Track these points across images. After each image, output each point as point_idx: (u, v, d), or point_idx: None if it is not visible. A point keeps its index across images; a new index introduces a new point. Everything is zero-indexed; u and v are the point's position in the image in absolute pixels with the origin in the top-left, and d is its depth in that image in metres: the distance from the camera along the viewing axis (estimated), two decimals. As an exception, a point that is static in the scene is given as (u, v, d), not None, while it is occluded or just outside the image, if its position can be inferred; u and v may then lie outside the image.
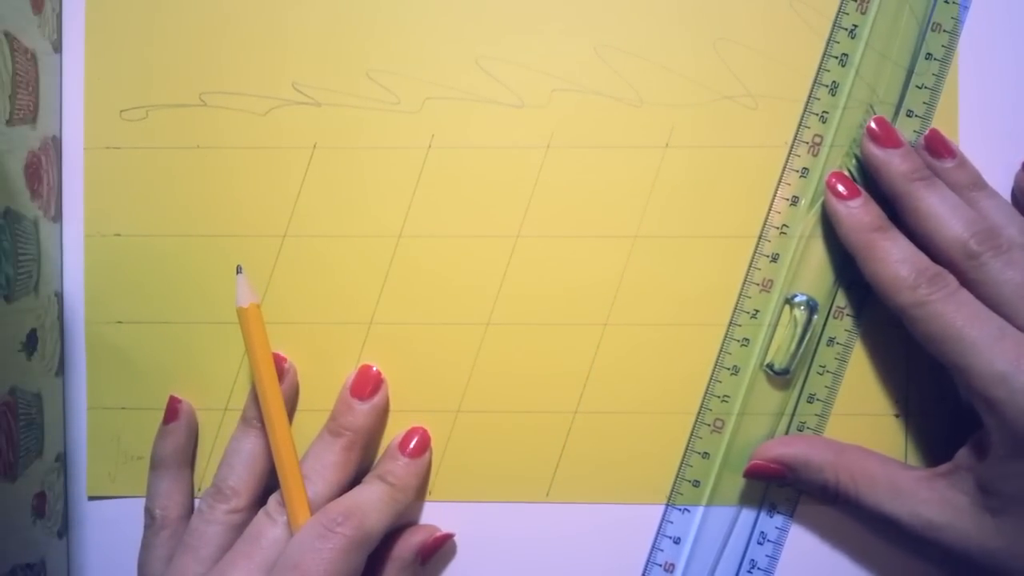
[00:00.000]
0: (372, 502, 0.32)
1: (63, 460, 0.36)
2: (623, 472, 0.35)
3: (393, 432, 0.35)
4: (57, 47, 0.36)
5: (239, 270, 0.33)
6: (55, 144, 0.36)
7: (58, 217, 0.36)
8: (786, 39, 0.35)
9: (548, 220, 0.35)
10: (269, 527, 0.32)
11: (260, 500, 0.33)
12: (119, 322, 0.36)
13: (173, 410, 0.35)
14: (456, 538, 0.35)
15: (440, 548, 0.35)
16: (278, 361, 0.34)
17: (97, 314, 0.36)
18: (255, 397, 0.33)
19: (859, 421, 0.35)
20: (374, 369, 0.35)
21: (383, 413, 0.35)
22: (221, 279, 0.36)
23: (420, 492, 0.35)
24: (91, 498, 0.36)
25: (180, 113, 0.36)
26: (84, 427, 0.36)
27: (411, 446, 0.34)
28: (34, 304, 0.34)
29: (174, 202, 0.36)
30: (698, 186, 0.35)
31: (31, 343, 0.34)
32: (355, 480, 0.34)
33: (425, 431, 0.35)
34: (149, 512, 0.34)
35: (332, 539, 0.30)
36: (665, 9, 0.35)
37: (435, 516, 0.36)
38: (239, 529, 0.32)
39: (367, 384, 0.34)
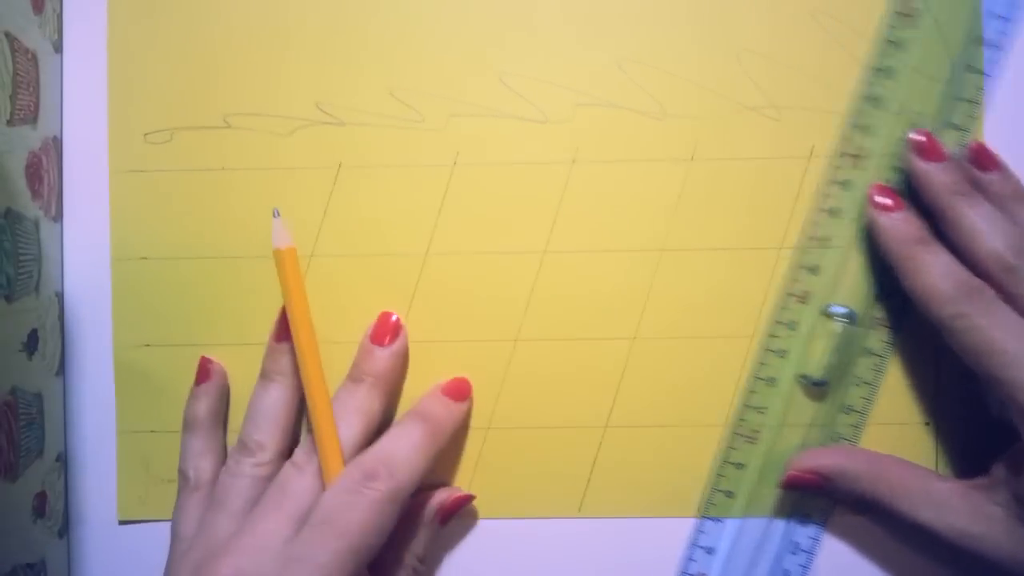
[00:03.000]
0: (406, 450, 0.32)
1: (64, 460, 0.36)
2: (655, 485, 0.35)
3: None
4: (58, 47, 0.36)
5: (276, 214, 0.33)
6: (55, 144, 0.36)
7: (58, 217, 0.36)
8: (808, 50, 0.35)
9: (575, 235, 0.35)
10: (297, 477, 0.32)
11: (285, 454, 0.33)
12: (147, 345, 0.36)
13: (205, 371, 0.35)
14: (488, 555, 0.35)
15: (459, 509, 0.35)
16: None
17: (125, 338, 0.36)
18: (274, 351, 0.34)
19: (889, 430, 0.35)
20: (393, 317, 0.35)
21: (403, 359, 0.35)
22: (248, 300, 0.36)
23: (448, 446, 0.34)
24: (122, 522, 0.36)
25: (204, 135, 0.36)
26: (86, 429, 0.36)
27: (453, 391, 0.34)
28: (35, 304, 0.34)
29: (200, 225, 0.36)
30: (723, 198, 0.35)
31: (32, 343, 0.34)
32: (380, 430, 0.34)
33: (467, 380, 0.35)
34: (183, 473, 0.34)
35: (367, 493, 0.30)
36: (687, 22, 0.35)
37: (466, 532, 0.36)
38: (266, 482, 0.32)
39: (386, 331, 0.34)
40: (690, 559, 0.35)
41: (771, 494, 0.35)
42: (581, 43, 0.35)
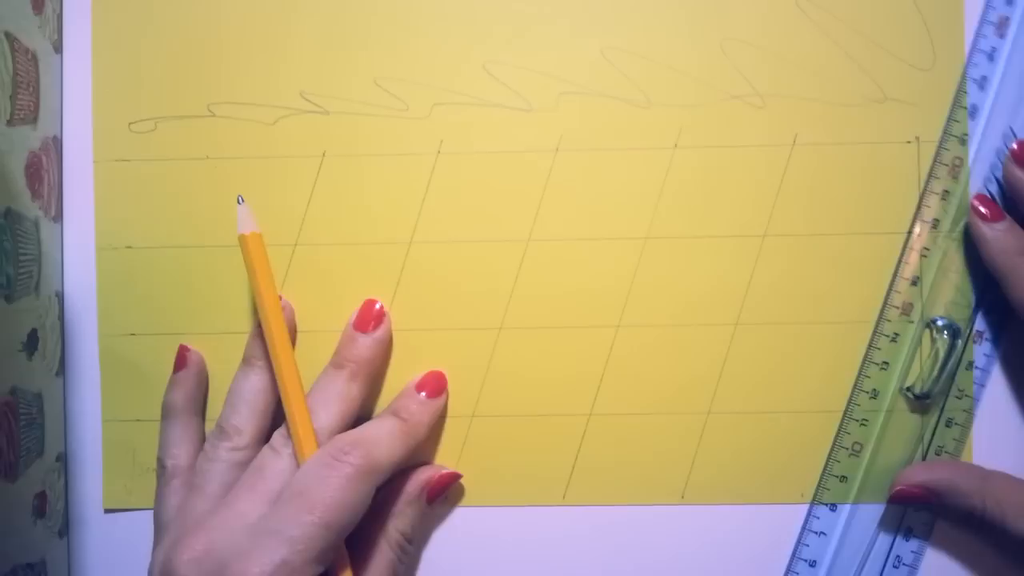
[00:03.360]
0: (382, 435, 0.32)
1: (64, 460, 0.36)
2: (638, 473, 0.35)
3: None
4: (58, 48, 0.36)
5: (240, 200, 0.33)
6: (56, 144, 0.36)
7: (59, 217, 0.36)
8: (792, 37, 0.35)
9: (559, 223, 0.35)
10: (273, 459, 0.32)
11: (263, 438, 0.34)
12: (132, 334, 0.36)
13: (182, 359, 0.35)
14: (471, 542, 0.36)
15: (447, 487, 0.35)
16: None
17: (110, 326, 0.36)
18: (256, 336, 0.34)
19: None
20: (377, 305, 0.35)
21: (386, 346, 0.35)
22: (234, 289, 0.36)
23: (432, 433, 0.35)
24: (107, 511, 0.36)
25: (188, 124, 0.36)
26: (86, 428, 0.36)
27: (428, 386, 0.35)
28: (34, 304, 0.34)
29: (184, 213, 0.36)
30: (707, 186, 0.35)
31: (32, 343, 0.34)
32: (362, 418, 0.34)
33: (442, 374, 0.35)
34: (160, 462, 0.35)
35: (339, 467, 0.30)
36: (671, 10, 0.35)
37: (450, 519, 0.36)
38: (243, 467, 0.33)
39: (369, 318, 0.35)
40: (793, 572, 0.35)
41: (875, 507, 0.35)
42: (566, 32, 0.35)
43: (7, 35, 0.32)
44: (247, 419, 0.33)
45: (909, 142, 0.35)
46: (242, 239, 0.33)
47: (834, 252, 0.35)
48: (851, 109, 0.35)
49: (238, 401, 0.34)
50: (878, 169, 0.35)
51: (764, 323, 0.35)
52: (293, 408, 0.32)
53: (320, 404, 0.33)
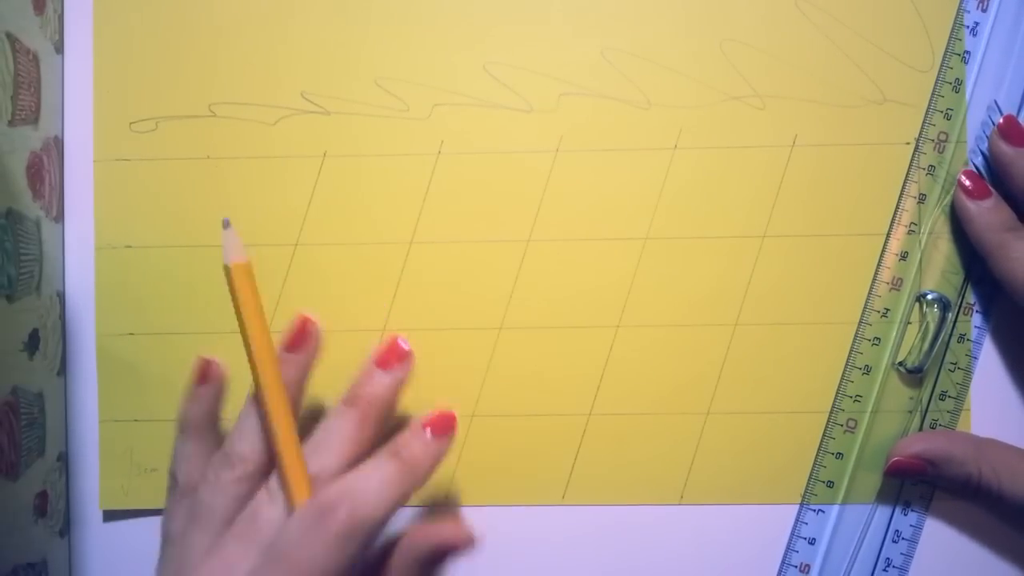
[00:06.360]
0: (373, 484, 0.29)
1: (65, 460, 0.36)
2: (638, 473, 0.35)
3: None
4: (59, 48, 0.36)
5: (226, 224, 0.29)
6: (57, 145, 0.36)
7: (60, 218, 0.36)
8: (792, 38, 0.35)
9: (559, 224, 0.35)
10: (267, 506, 0.30)
11: (270, 466, 0.31)
12: (131, 334, 0.36)
13: (204, 373, 0.33)
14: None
15: (457, 551, 0.33)
16: (303, 324, 0.32)
17: (108, 326, 0.36)
18: None
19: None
20: (405, 346, 0.32)
21: (402, 388, 0.33)
22: (233, 289, 0.36)
23: (431, 479, 0.32)
24: (105, 511, 0.36)
25: (189, 124, 0.36)
26: (87, 428, 0.36)
27: (435, 424, 0.31)
28: (36, 304, 0.34)
29: (185, 213, 0.36)
30: (707, 187, 0.35)
31: (33, 343, 0.34)
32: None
33: (452, 414, 0.32)
34: (172, 475, 0.33)
35: (322, 530, 0.28)
36: (671, 11, 0.35)
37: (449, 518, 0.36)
38: (245, 499, 0.31)
39: (393, 357, 0.32)
40: (792, 550, 0.35)
41: (871, 483, 0.35)
42: (566, 32, 0.36)
43: (8, 35, 0.32)
44: (253, 445, 0.31)
45: (908, 143, 0.35)
46: (227, 271, 0.29)
47: (834, 253, 0.35)
48: (850, 110, 0.35)
49: (246, 426, 0.32)
50: (878, 170, 0.35)
51: (763, 324, 0.35)
52: (284, 455, 0.30)
53: (326, 444, 0.31)
